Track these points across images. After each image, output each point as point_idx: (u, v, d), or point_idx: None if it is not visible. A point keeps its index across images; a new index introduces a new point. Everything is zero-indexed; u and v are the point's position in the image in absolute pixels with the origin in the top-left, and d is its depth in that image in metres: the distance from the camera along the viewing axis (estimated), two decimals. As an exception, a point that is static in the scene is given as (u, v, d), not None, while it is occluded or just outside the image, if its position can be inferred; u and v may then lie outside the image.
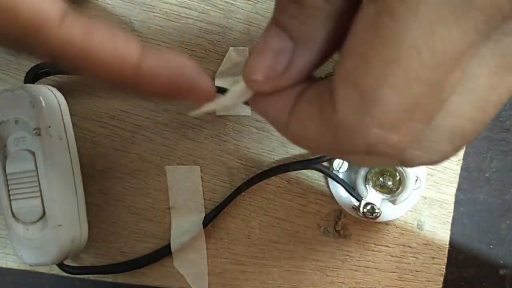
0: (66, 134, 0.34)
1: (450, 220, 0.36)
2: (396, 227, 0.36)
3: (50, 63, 0.35)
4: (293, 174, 0.36)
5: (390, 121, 0.15)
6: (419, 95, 0.15)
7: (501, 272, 0.37)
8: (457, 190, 0.36)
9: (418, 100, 0.15)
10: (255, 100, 0.20)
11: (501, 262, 0.37)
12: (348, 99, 0.16)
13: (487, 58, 0.15)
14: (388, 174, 0.33)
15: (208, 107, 0.24)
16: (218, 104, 0.24)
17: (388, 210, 0.35)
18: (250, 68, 0.20)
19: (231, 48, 0.35)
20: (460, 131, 0.16)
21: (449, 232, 0.36)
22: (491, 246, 0.37)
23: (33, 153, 0.32)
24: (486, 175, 0.37)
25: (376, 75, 0.15)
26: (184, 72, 0.27)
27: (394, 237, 0.36)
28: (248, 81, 0.20)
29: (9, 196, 0.33)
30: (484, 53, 0.15)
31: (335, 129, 0.17)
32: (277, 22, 0.18)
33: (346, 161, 0.34)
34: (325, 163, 0.35)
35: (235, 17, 0.35)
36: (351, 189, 0.34)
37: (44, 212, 0.32)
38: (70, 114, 0.34)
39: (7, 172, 0.33)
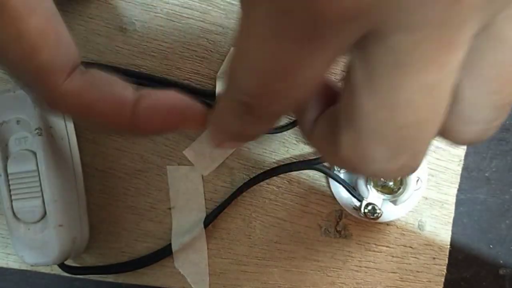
0: (67, 134, 0.34)
1: (451, 220, 0.36)
2: (397, 227, 0.36)
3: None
4: (294, 174, 0.36)
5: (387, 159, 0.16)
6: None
7: (501, 272, 0.37)
8: (457, 190, 0.36)
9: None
10: None
11: (501, 262, 0.37)
12: (349, 141, 0.17)
13: None
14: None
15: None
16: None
17: (389, 211, 0.35)
18: None
19: (232, 48, 0.35)
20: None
21: (450, 233, 0.36)
22: (491, 246, 0.37)
23: (34, 153, 0.32)
24: (486, 175, 0.37)
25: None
26: (176, 106, 0.29)
27: (395, 238, 0.36)
28: None
29: (11, 196, 0.33)
30: None
31: (339, 160, 0.18)
32: None
33: None
34: (326, 164, 0.35)
35: (237, 17, 0.35)
36: (352, 189, 0.34)
37: (45, 212, 0.32)
38: (71, 114, 0.34)
39: (8, 172, 0.33)
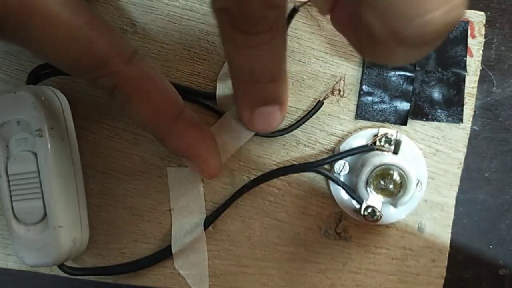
0: (68, 135, 0.34)
1: (450, 223, 0.36)
2: (397, 230, 0.36)
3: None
4: (294, 176, 0.36)
5: None
6: None
7: (501, 272, 0.37)
8: (457, 190, 0.36)
9: None
10: None
11: (501, 262, 0.37)
12: None
13: None
14: (389, 177, 0.33)
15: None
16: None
17: (389, 213, 0.35)
18: None
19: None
20: None
21: (449, 235, 0.36)
22: (491, 246, 0.37)
23: (35, 154, 0.32)
24: (486, 175, 0.37)
25: None
26: (206, 139, 0.31)
27: (395, 240, 0.36)
28: None
29: (11, 197, 0.33)
30: None
31: None
32: None
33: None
34: (326, 166, 0.35)
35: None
36: (352, 191, 0.34)
37: (45, 213, 0.32)
38: (72, 115, 0.34)
39: (9, 173, 0.33)
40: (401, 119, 0.35)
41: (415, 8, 0.17)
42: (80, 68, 0.27)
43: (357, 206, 0.34)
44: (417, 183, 0.33)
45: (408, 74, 0.35)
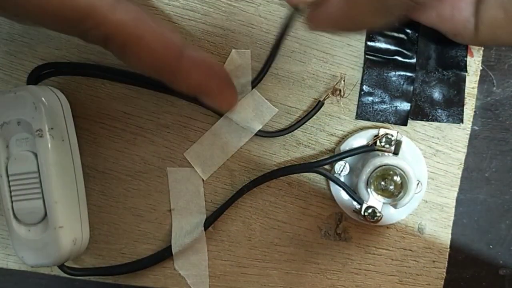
0: (68, 135, 0.34)
1: (451, 224, 0.36)
2: (397, 230, 0.36)
3: (57, 64, 0.35)
4: (294, 176, 0.36)
5: None
6: None
7: (501, 272, 0.37)
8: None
9: None
10: None
11: (501, 262, 0.37)
12: None
13: None
14: (390, 178, 0.33)
15: None
16: None
17: (389, 214, 0.35)
18: None
19: (233, 50, 0.35)
20: None
21: (449, 236, 0.36)
22: (491, 246, 0.37)
23: (35, 154, 0.32)
24: (486, 175, 0.37)
25: None
26: (217, 72, 0.30)
27: (395, 241, 0.36)
28: None
29: (11, 197, 0.33)
30: None
31: None
32: None
33: None
34: (326, 166, 0.35)
35: (238, 19, 0.35)
36: (353, 192, 0.34)
37: (45, 214, 0.32)
38: (72, 116, 0.34)
39: (9, 173, 0.33)
40: (402, 119, 0.35)
41: None
42: (65, 23, 0.26)
43: (358, 206, 0.34)
44: (418, 184, 0.33)
45: (408, 74, 0.35)
